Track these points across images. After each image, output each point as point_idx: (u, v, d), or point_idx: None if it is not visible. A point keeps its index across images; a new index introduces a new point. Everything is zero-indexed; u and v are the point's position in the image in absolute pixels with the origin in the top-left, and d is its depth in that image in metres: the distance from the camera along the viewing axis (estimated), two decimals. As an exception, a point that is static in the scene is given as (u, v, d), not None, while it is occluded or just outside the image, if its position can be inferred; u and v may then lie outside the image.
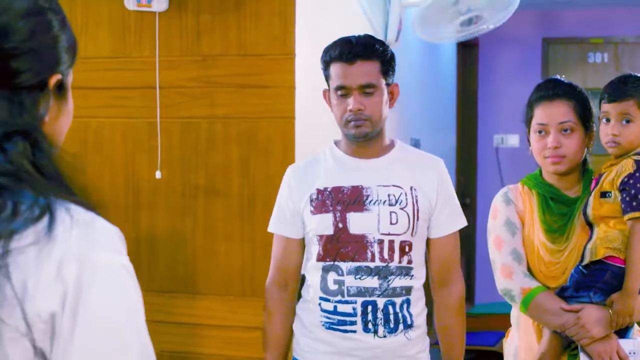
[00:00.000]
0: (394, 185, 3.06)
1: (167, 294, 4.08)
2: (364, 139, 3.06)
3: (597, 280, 2.93)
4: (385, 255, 3.02)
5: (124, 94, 4.11)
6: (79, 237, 1.27)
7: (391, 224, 3.02)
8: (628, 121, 2.96)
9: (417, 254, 3.09)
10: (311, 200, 3.08)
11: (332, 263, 3.04)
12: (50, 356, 1.25)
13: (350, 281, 3.02)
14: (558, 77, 3.19)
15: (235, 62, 3.98)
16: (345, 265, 3.02)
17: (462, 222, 3.18)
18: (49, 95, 1.37)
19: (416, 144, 6.29)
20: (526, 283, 3.04)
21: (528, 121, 3.16)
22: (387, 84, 3.07)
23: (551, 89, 3.10)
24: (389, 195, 3.04)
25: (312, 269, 3.12)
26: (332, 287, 3.05)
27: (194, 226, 4.05)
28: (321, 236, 3.06)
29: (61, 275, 1.24)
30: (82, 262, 1.25)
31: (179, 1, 4.01)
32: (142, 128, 4.11)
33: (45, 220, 1.26)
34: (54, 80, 1.38)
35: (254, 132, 3.95)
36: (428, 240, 3.14)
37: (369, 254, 3.01)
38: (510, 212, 3.16)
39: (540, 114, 3.09)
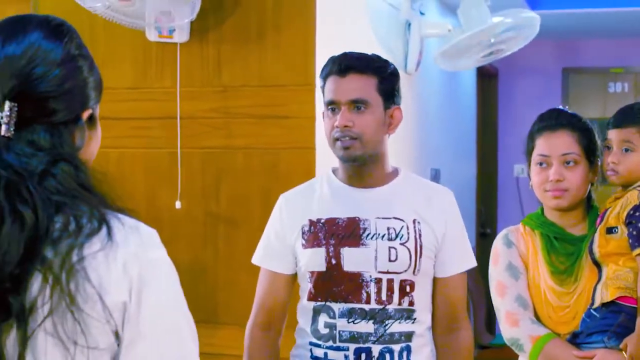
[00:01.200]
0: (394, 218, 2.75)
1: (187, 324, 4.08)
2: (356, 163, 2.75)
3: (610, 323, 2.72)
4: (383, 297, 2.70)
5: (145, 125, 4.13)
6: (133, 240, 1.61)
7: (390, 260, 2.71)
8: (627, 150, 2.82)
9: (421, 295, 2.77)
10: (303, 233, 2.79)
11: (323, 303, 2.74)
12: (123, 336, 1.56)
13: (342, 325, 2.71)
14: (561, 107, 3.06)
15: (256, 92, 3.99)
16: (337, 307, 2.71)
17: (472, 262, 2.89)
18: (84, 127, 1.66)
19: (436, 174, 6.28)
20: (534, 330, 2.83)
21: (529, 153, 2.97)
22: (387, 106, 2.77)
23: (554, 119, 2.92)
24: (388, 229, 2.73)
25: (302, 310, 2.84)
26: (323, 330, 2.75)
27: (215, 256, 4.06)
28: (312, 273, 2.76)
29: (127, 273, 1.56)
30: (141, 260, 1.59)
31: (200, 32, 4.04)
32: (163, 158, 4.12)
33: (104, 229, 1.57)
34: (86, 114, 1.66)
35: (274, 162, 3.96)
36: (434, 280, 2.83)
37: (364, 295, 2.70)
38: (512, 256, 2.94)
39: (542, 144, 2.90)
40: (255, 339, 2.93)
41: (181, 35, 3.97)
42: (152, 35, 3.96)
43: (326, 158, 3.94)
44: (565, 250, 2.89)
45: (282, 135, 3.94)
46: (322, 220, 2.77)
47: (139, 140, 4.15)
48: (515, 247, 2.96)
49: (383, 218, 2.75)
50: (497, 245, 2.99)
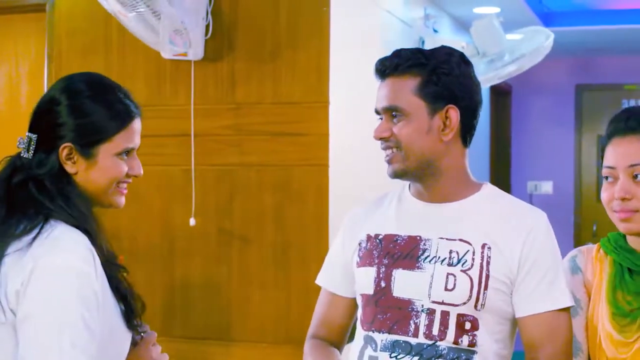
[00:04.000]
0: (460, 240, 2.28)
1: (201, 341, 4.08)
2: (404, 179, 2.37)
3: None
4: (434, 331, 2.24)
5: (159, 142, 4.14)
6: (43, 245, 1.94)
7: (446, 289, 2.24)
8: None
9: (489, 337, 2.26)
10: (359, 249, 2.41)
11: (367, 333, 2.33)
12: (17, 315, 1.93)
13: None
14: (636, 104, 2.44)
15: (269, 110, 4.00)
16: (380, 338, 2.29)
17: (564, 301, 2.26)
18: (73, 158, 2.06)
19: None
20: None
21: (602, 165, 2.34)
22: (435, 109, 2.29)
23: (623, 122, 2.29)
24: (450, 252, 2.27)
25: (356, 338, 2.41)
26: None
27: (229, 273, 4.06)
28: (362, 296, 2.37)
29: (24, 269, 1.92)
30: (37, 261, 1.92)
31: (214, 50, 4.05)
32: (177, 175, 4.13)
33: (33, 234, 1.95)
34: (62, 149, 2.05)
35: (287, 179, 3.97)
36: (517, 321, 2.31)
37: (412, 326, 2.26)
38: (576, 285, 2.36)
39: (608, 154, 2.29)
40: (308, 343, 2.52)
41: (195, 53, 3.98)
42: (166, 53, 3.97)
43: (339, 175, 3.95)
44: (637, 289, 2.26)
45: (296, 152, 3.95)
46: (380, 237, 2.38)
47: (153, 158, 4.16)
48: (582, 274, 2.38)
49: (447, 239, 2.30)
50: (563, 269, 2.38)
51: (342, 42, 4.03)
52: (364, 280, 2.35)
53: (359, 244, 2.41)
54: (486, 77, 5.07)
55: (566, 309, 2.28)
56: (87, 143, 2.06)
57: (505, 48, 4.97)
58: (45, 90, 4.32)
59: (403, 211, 2.40)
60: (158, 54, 4.01)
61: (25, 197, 2.02)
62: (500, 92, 8.52)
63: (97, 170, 2.09)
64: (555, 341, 2.26)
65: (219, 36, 4.05)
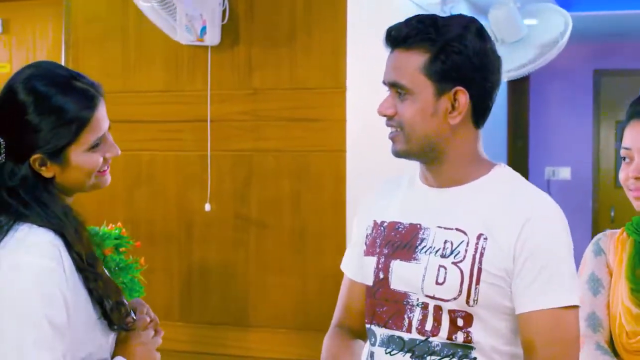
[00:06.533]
0: (456, 229, 2.09)
1: (218, 326, 4.09)
2: (406, 158, 2.17)
3: None
4: (427, 326, 2.08)
5: (175, 127, 4.15)
6: (9, 245, 1.95)
7: (437, 283, 2.07)
8: None
9: (486, 333, 2.07)
10: (366, 236, 2.26)
11: (369, 326, 2.20)
12: None
13: (379, 355, 2.16)
14: None
15: (286, 95, 4.00)
16: (379, 332, 2.16)
17: (565, 298, 2.03)
18: (47, 165, 2.03)
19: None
20: (596, 358, 2.31)
21: (620, 147, 2.39)
22: (441, 90, 2.07)
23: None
24: (445, 242, 2.09)
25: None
26: None
27: (246, 259, 4.06)
28: (366, 287, 2.23)
29: None
30: (2, 259, 1.93)
31: (231, 35, 4.05)
32: (194, 161, 4.13)
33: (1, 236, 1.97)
34: (35, 160, 2.03)
35: (304, 165, 3.96)
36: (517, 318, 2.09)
37: (406, 321, 2.11)
38: (598, 266, 2.39)
39: (627, 135, 2.36)
40: (329, 332, 2.38)
41: (212, 39, 3.98)
42: (183, 39, 3.97)
43: (356, 160, 3.94)
44: None
45: (313, 138, 3.94)
46: (385, 224, 2.21)
47: (169, 143, 4.16)
48: (604, 256, 2.41)
49: (444, 228, 2.11)
50: (587, 252, 2.45)
51: (358, 27, 4.02)
52: (366, 271, 2.20)
53: (366, 229, 2.26)
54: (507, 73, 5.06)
55: (570, 308, 2.02)
56: (56, 151, 2.04)
57: (524, 37, 4.95)
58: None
59: (409, 196, 2.22)
60: (175, 40, 4.01)
61: None
62: (518, 78, 8.48)
63: (72, 170, 2.07)
64: (553, 343, 2.02)
65: (236, 21, 4.04)
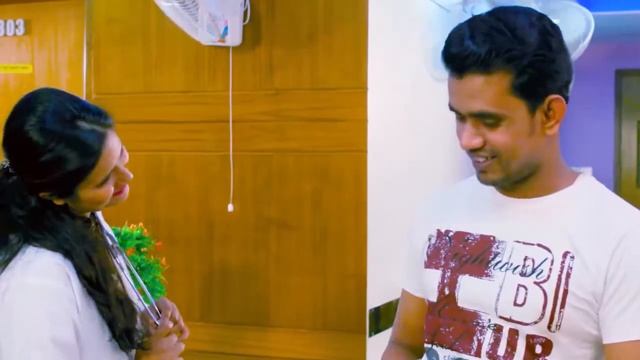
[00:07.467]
0: (539, 245, 1.90)
1: (239, 327, 4.09)
2: (498, 185, 1.99)
3: None
4: (499, 351, 1.89)
5: (197, 128, 4.15)
6: (17, 268, 1.96)
7: (515, 304, 1.87)
8: None
9: None
10: (428, 246, 2.09)
11: (430, 345, 2.04)
12: None
13: None
14: None
15: (307, 96, 3.99)
16: (442, 354, 1.99)
17: None
18: (45, 199, 2.06)
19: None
20: None
21: None
22: (536, 104, 1.88)
23: None
24: (525, 259, 1.90)
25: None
26: None
27: (267, 259, 4.06)
28: (428, 302, 2.07)
29: (0, 287, 1.95)
30: (10, 281, 1.95)
31: (252, 36, 4.05)
32: (215, 162, 4.14)
33: (7, 257, 1.98)
34: (43, 196, 2.06)
35: (326, 165, 3.96)
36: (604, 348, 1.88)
37: (475, 343, 1.93)
38: None
39: None
40: (386, 351, 2.27)
41: (233, 39, 3.98)
42: (204, 39, 3.97)
43: (377, 161, 3.94)
44: None
45: (334, 139, 3.94)
46: (451, 234, 2.04)
47: (191, 144, 4.17)
48: None
49: (524, 243, 1.92)
50: None
51: (380, 27, 4.02)
52: (429, 285, 2.04)
53: (429, 239, 2.09)
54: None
55: None
56: (65, 191, 2.06)
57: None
58: (85, 79, 4.35)
59: (479, 204, 2.04)
60: (196, 40, 4.01)
61: (7, 221, 2.04)
62: (539, 78, 8.47)
63: (83, 202, 2.10)
64: None
65: (257, 22, 4.04)
